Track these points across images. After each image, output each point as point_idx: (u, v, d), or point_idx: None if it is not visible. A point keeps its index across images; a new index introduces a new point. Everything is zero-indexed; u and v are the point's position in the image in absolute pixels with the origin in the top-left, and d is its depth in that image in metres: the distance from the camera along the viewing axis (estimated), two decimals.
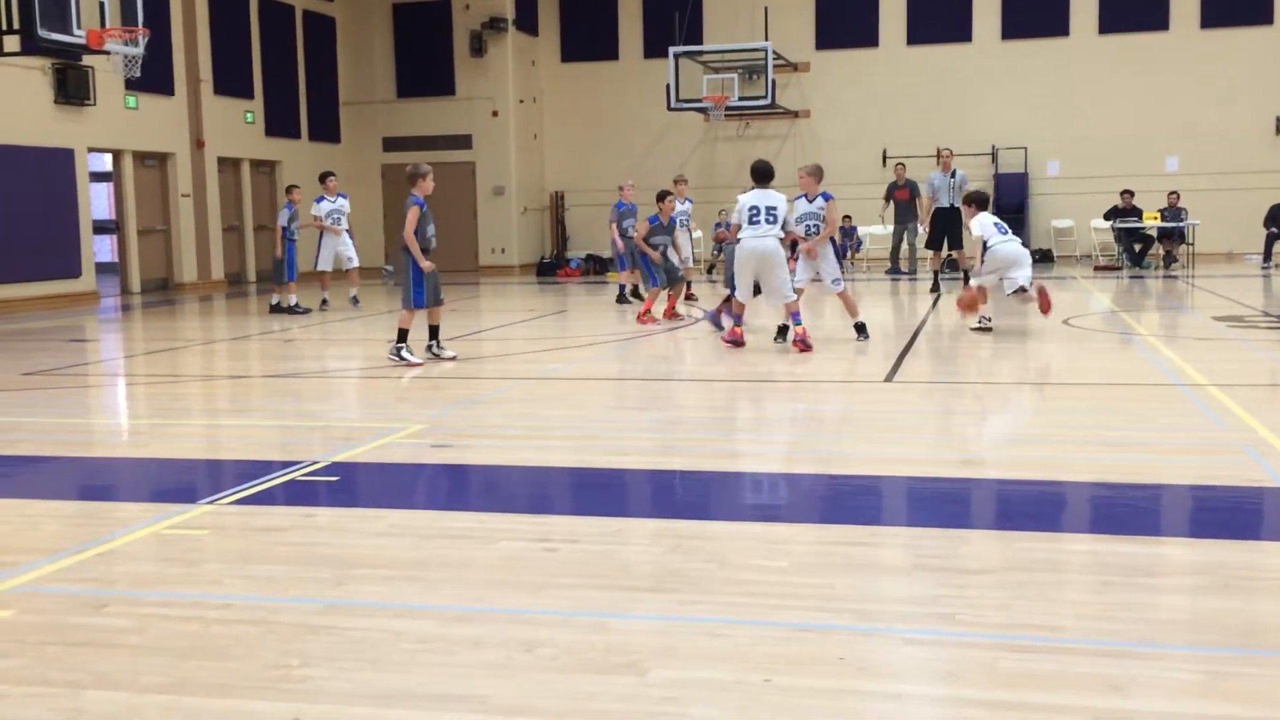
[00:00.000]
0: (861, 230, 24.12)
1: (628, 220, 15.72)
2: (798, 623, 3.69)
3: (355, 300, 16.60)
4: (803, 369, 9.80)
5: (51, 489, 6.23)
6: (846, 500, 5.46)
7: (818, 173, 11.24)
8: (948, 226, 16.98)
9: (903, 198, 22.18)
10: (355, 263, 16.64)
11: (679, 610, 3.84)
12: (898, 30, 25.48)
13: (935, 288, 17.36)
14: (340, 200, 16.39)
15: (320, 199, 16.20)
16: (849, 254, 23.78)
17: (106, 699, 3.21)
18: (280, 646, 3.57)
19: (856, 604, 3.89)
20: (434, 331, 10.36)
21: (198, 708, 3.16)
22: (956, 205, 16.89)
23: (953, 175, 17.14)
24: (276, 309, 15.78)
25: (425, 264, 10.04)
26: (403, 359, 10.03)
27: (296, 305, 15.69)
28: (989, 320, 12.03)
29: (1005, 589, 4.00)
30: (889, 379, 9.02)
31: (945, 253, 17.39)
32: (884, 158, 25.44)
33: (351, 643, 3.61)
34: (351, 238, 16.54)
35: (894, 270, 22.41)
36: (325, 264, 16.38)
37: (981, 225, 11.95)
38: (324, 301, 16.39)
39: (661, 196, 13.47)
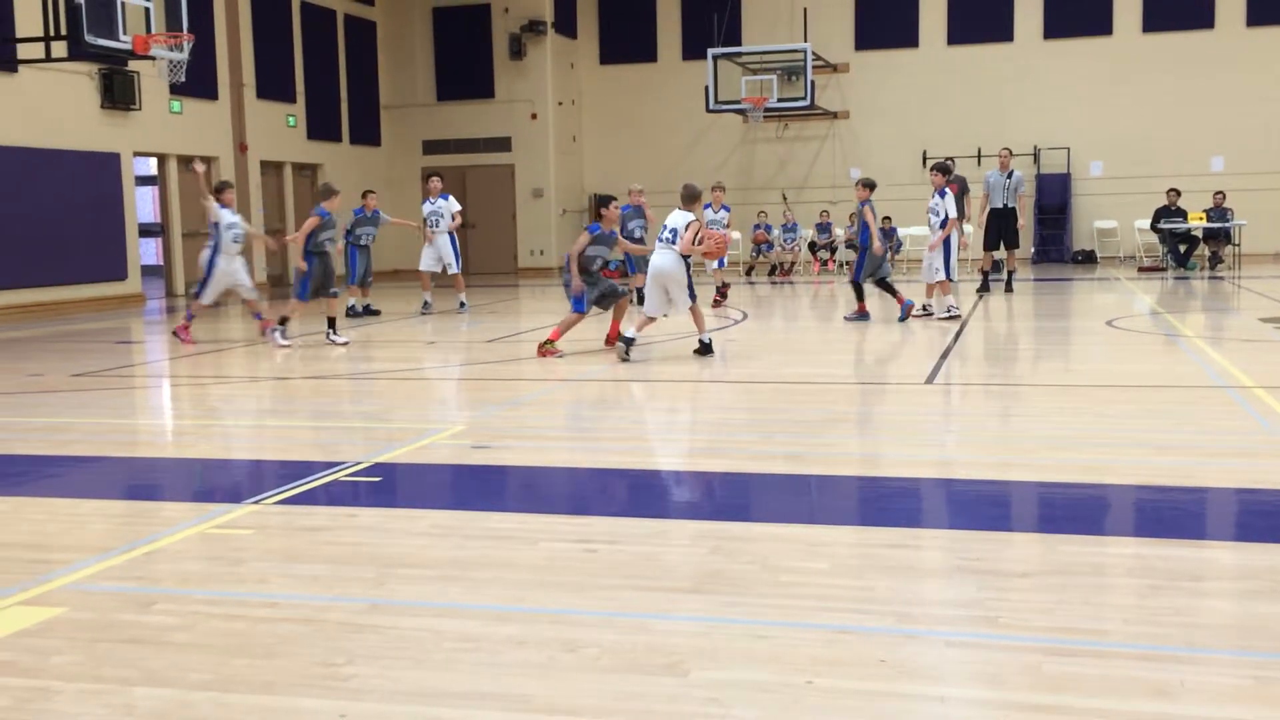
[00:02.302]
0: (902, 231, 24.00)
1: (633, 222, 15.36)
2: (839, 625, 3.69)
3: (462, 305, 16.02)
4: (843, 371, 9.78)
5: (100, 488, 6.32)
6: (887, 502, 5.45)
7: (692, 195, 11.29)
8: (1003, 227, 16.76)
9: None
10: (455, 268, 15.73)
11: (721, 612, 3.85)
12: (938, 30, 25.35)
13: (984, 288, 17.14)
14: (440, 202, 15.67)
15: (425, 200, 15.85)
16: (889, 255, 23.66)
17: (156, 695, 3.26)
18: (325, 645, 3.61)
19: (898, 606, 3.88)
20: (331, 322, 12.41)
21: (245, 705, 3.20)
22: (1012, 205, 16.71)
23: (1009, 176, 16.75)
24: (353, 312, 15.38)
25: (302, 264, 12.25)
26: (277, 341, 11.94)
27: (354, 306, 15.45)
28: (957, 309, 13.26)
29: (1048, 592, 3.98)
30: (930, 381, 8.98)
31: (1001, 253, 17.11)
32: (924, 159, 25.29)
33: (395, 642, 3.64)
34: (454, 242, 15.81)
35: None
36: (428, 265, 15.82)
37: (953, 208, 13.29)
38: (426, 304, 15.90)
39: (604, 202, 11.77)
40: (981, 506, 5.37)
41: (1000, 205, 16.73)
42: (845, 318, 13.71)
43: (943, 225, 13.34)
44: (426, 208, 15.73)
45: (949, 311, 13.31)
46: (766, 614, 3.82)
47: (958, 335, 12.05)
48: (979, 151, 25.10)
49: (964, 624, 3.72)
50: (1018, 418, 7.65)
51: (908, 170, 25.38)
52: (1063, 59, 24.65)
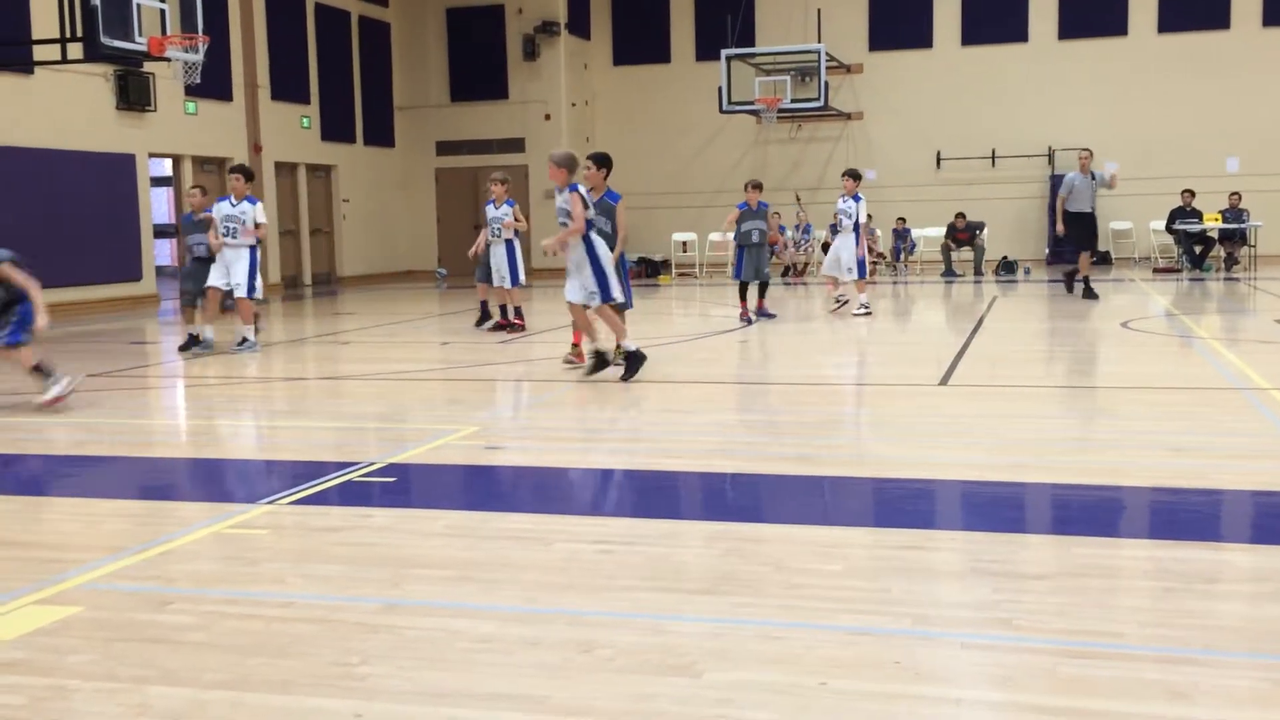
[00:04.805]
0: (915, 233, 23.97)
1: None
2: (853, 626, 3.69)
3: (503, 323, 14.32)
4: (855, 372, 9.77)
5: (115, 488, 6.35)
6: (901, 504, 5.44)
7: (566, 162, 9.07)
8: (1085, 230, 15.98)
9: (964, 239, 22.18)
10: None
11: (734, 613, 3.85)
12: (952, 31, 25.31)
13: (1071, 290, 16.54)
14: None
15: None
16: (903, 256, 23.67)
17: (172, 695, 3.27)
18: (340, 645, 3.62)
19: (913, 608, 3.87)
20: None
21: (261, 704, 3.21)
22: (1094, 211, 15.99)
23: (1092, 177, 15.97)
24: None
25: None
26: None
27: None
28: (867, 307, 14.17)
29: (1063, 594, 3.97)
30: (943, 382, 8.96)
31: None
32: (938, 159, 25.27)
33: (410, 642, 3.65)
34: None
35: (948, 273, 22.25)
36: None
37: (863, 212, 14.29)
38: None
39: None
40: (996, 508, 5.35)
41: (1087, 209, 15.83)
42: (854, 314, 14.39)
43: (855, 228, 14.33)
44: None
45: (862, 309, 14.30)
46: (780, 615, 3.81)
47: (972, 336, 12.03)
48: (993, 152, 25.06)
49: (979, 626, 3.71)
50: (1032, 419, 7.62)
51: (922, 171, 25.35)
52: (1078, 59, 24.59)
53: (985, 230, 22.90)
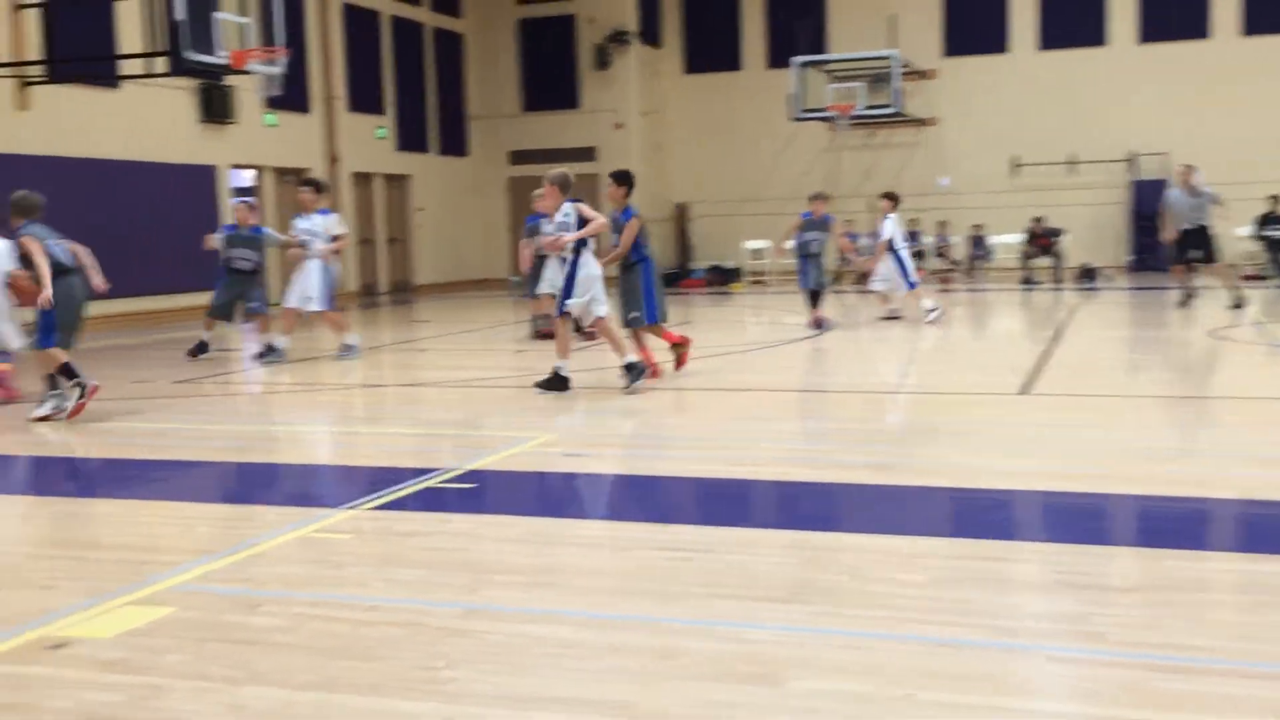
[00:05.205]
0: (992, 239, 23.68)
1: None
2: (937, 637, 3.65)
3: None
4: (933, 380, 9.67)
5: (203, 492, 6.50)
6: (982, 514, 5.38)
7: (559, 181, 9.27)
8: (1195, 244, 15.19)
9: (1043, 245, 21.81)
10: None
11: (815, 622, 3.83)
12: (1029, 35, 25.00)
13: (1185, 305, 15.63)
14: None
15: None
16: (979, 263, 23.38)
17: (263, 695, 3.34)
18: (425, 649, 3.67)
19: (997, 620, 3.83)
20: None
21: (349, 706, 3.26)
22: (1201, 224, 15.22)
23: (1193, 193, 15.19)
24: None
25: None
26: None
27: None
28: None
29: (1152, 608, 3.90)
30: (1023, 391, 8.85)
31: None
32: (1015, 166, 24.95)
33: (492, 646, 3.69)
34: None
35: (1026, 281, 21.95)
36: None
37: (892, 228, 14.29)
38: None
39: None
40: (1079, 520, 5.27)
41: (1191, 225, 15.11)
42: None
43: (890, 247, 14.43)
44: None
45: (930, 313, 14.22)
46: (861, 625, 3.79)
47: (1052, 344, 11.85)
48: (1071, 158, 24.69)
49: (1066, 639, 3.66)
50: (1115, 429, 7.49)
51: (998, 177, 25.05)
52: (1159, 63, 24.15)
53: (1065, 237, 22.53)
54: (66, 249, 8.65)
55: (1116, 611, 3.88)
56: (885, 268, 14.52)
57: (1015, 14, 25.00)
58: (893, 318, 14.72)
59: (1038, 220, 22.42)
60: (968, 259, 23.56)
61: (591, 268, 9.15)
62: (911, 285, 14.47)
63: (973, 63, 25.21)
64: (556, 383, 9.03)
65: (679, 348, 9.87)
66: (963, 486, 5.86)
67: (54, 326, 8.38)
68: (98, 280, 8.84)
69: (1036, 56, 24.94)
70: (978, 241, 23.57)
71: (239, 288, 12.26)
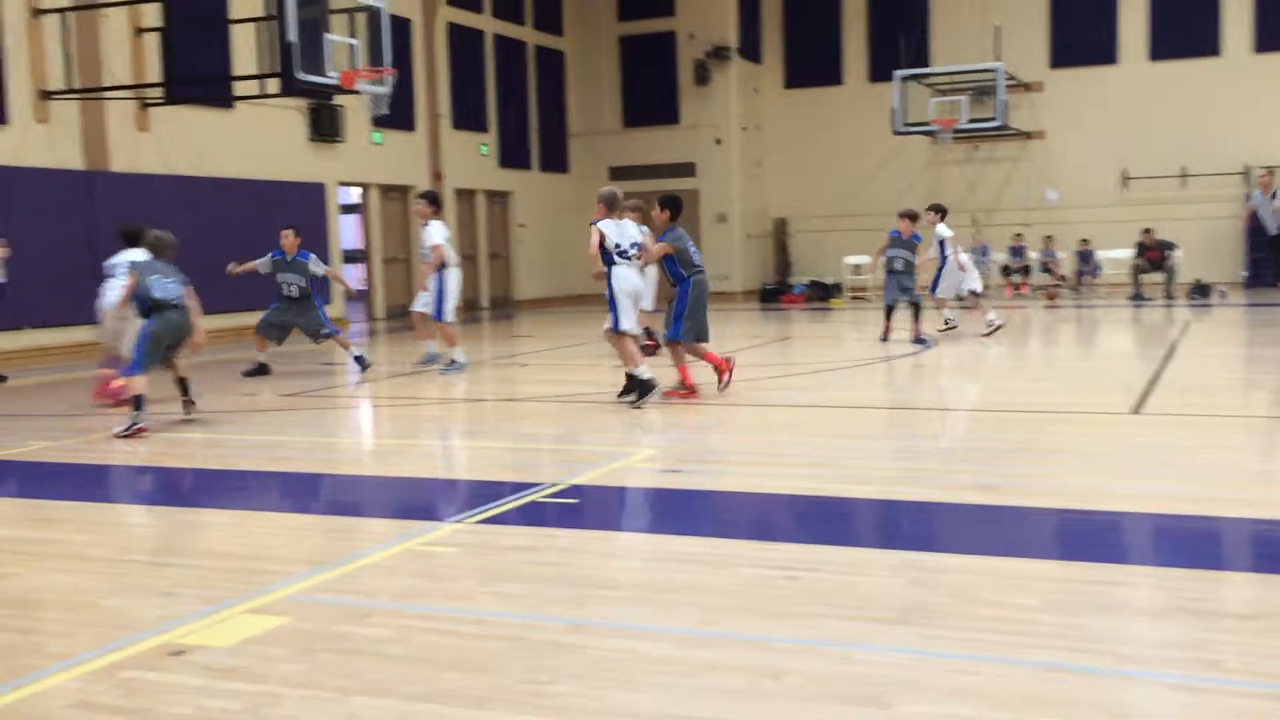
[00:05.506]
0: (1100, 254, 23.16)
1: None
2: (1050, 663, 3.58)
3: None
4: (1041, 398, 9.48)
5: (314, 503, 6.65)
6: (1095, 537, 5.25)
7: (608, 199, 9.73)
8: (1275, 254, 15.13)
9: (1154, 258, 21.26)
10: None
11: (924, 644, 3.78)
12: (1139, 45, 24.44)
13: None
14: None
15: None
16: (1086, 278, 22.89)
17: (374, 705, 3.40)
18: (532, 663, 3.70)
19: (1112, 646, 3.74)
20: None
21: (459, 718, 3.30)
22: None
23: (1274, 197, 15.21)
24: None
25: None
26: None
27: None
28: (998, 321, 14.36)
29: (1272, 635, 3.77)
30: (1136, 410, 8.63)
31: None
32: (1124, 179, 24.39)
33: (597, 662, 3.70)
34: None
35: (1136, 297, 21.44)
36: (947, 293, 15.05)
37: (942, 234, 14.44)
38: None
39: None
40: (1195, 543, 5.12)
41: (1275, 231, 15.05)
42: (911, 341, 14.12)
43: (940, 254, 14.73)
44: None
45: (989, 325, 14.52)
46: (972, 648, 3.73)
47: (1165, 362, 11.54)
48: (1183, 171, 24.08)
49: (1186, 667, 3.55)
50: (1232, 450, 7.26)
51: (1108, 191, 24.52)
52: (1275, 73, 23.42)
53: (1177, 251, 21.93)
54: (176, 286, 9.03)
55: (1235, 639, 3.76)
56: (948, 279, 14.72)
57: (1125, 24, 24.46)
58: (949, 328, 14.80)
59: (1148, 231, 21.87)
60: (1075, 274, 23.06)
61: (622, 283, 9.49)
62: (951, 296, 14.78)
63: (1080, 74, 24.72)
64: (639, 386, 9.27)
65: (719, 370, 9.94)
66: (1073, 508, 5.72)
67: (139, 356, 8.83)
68: (199, 324, 9.16)
69: (1147, 67, 24.37)
70: (1085, 256, 23.06)
71: (288, 313, 12.63)
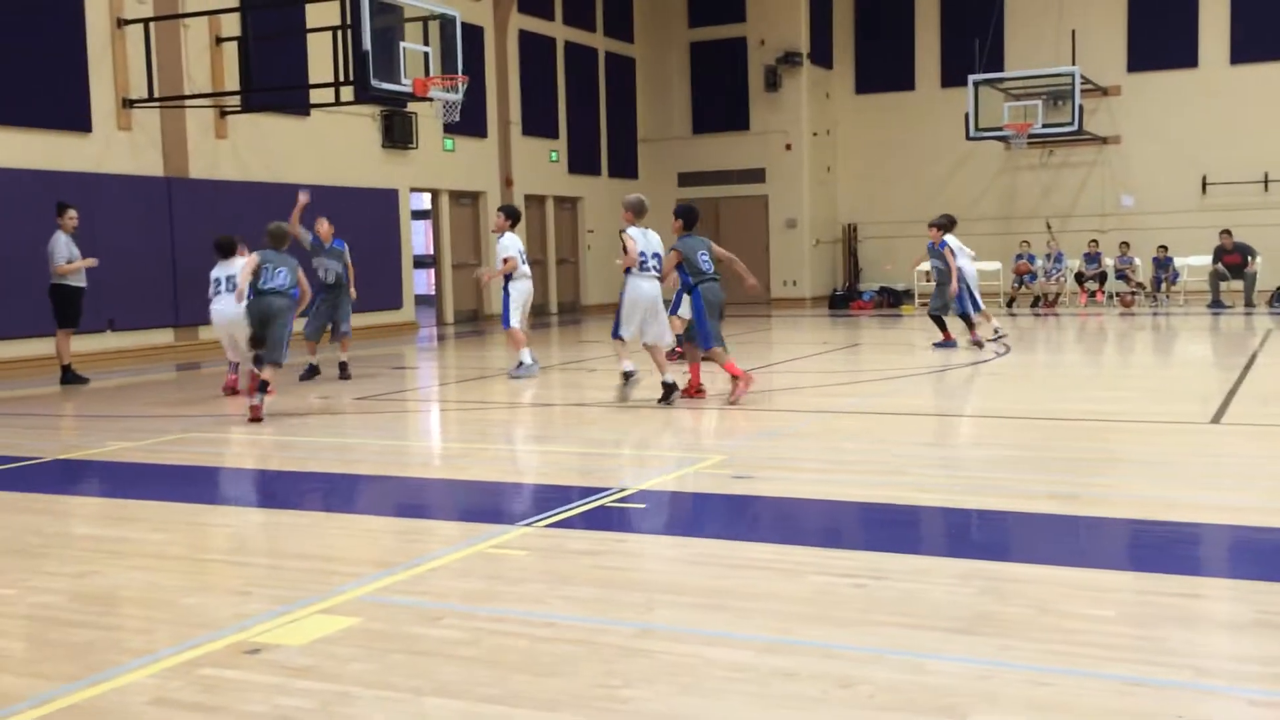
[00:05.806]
0: (1178, 261, 22.70)
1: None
2: (1129, 676, 3.51)
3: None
4: (1117, 407, 9.30)
5: (385, 506, 6.72)
6: (1173, 548, 5.14)
7: (635, 206, 10.10)
8: None
9: (1232, 262, 20.80)
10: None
11: (998, 655, 3.72)
12: (1219, 48, 23.90)
13: None
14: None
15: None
16: (1164, 285, 22.46)
17: (446, 706, 3.42)
18: (602, 667, 3.70)
19: (1193, 660, 3.65)
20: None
21: None
22: None
23: None
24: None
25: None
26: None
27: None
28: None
29: None
30: (1216, 420, 8.44)
31: None
32: (1204, 185, 23.88)
33: (667, 667, 3.70)
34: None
35: (1215, 304, 21.00)
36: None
37: (958, 248, 14.14)
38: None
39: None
40: (1276, 556, 4.99)
41: None
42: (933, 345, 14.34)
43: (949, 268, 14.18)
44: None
45: (995, 334, 14.68)
46: (1047, 660, 3.67)
47: (1245, 371, 11.28)
48: (1265, 176, 23.53)
49: (1270, 682, 3.46)
50: None
51: (1185, 197, 24.02)
52: None
53: (1258, 259, 21.43)
54: (285, 274, 9.68)
55: None
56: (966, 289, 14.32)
57: (1205, 28, 23.94)
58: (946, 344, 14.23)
59: (1226, 233, 21.38)
60: (1152, 281, 22.63)
61: (633, 292, 9.78)
62: (976, 309, 14.39)
63: (1158, 78, 24.24)
64: (624, 378, 9.89)
65: (735, 379, 9.87)
66: (1151, 519, 5.61)
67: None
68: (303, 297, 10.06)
69: (1228, 71, 23.82)
70: (1163, 263, 22.61)
71: (324, 305, 12.69)
